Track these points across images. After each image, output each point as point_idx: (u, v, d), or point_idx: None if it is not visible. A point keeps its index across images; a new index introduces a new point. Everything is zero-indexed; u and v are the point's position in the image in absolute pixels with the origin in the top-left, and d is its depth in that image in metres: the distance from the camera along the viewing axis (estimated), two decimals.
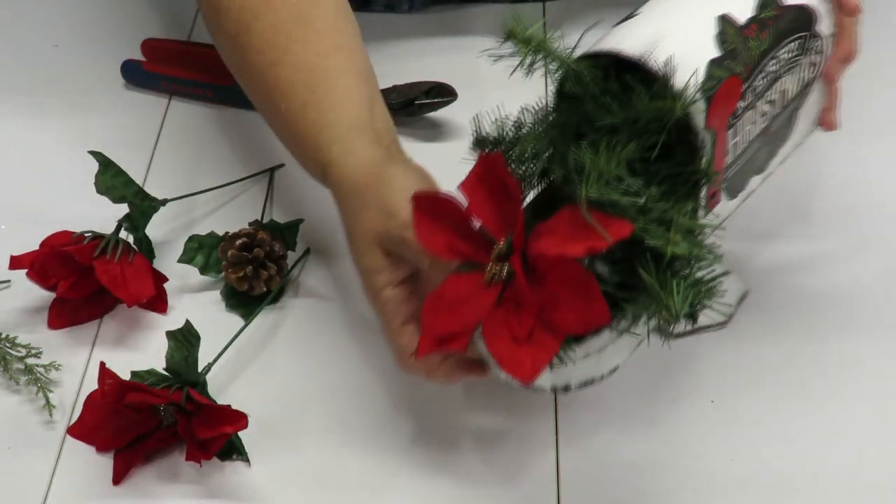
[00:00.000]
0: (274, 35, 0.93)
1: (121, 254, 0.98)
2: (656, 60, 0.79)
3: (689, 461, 0.89)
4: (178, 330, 0.89)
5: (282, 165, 1.09)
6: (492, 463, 0.90)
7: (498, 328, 0.78)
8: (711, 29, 0.82)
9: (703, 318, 0.91)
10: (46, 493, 0.89)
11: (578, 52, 0.80)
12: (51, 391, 0.94)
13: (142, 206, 1.00)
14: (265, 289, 0.99)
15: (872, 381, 0.94)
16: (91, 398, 0.89)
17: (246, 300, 1.00)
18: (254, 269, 0.99)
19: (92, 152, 1.00)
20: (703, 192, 0.81)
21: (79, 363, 0.96)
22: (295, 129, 0.92)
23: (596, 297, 0.75)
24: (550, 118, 0.83)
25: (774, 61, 0.84)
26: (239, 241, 0.99)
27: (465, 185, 0.80)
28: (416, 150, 0.92)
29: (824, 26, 0.88)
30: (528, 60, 0.78)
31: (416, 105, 1.13)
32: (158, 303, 0.99)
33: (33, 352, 0.96)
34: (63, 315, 0.99)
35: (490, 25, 1.23)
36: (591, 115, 0.79)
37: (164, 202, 1.03)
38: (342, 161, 0.88)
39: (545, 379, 0.81)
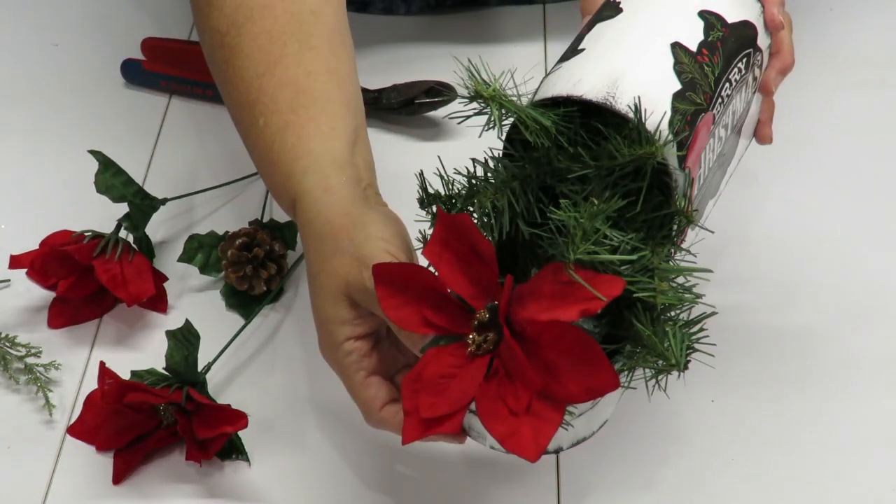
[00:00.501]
0: (268, 42, 0.88)
1: (121, 253, 0.98)
2: (621, 102, 0.74)
3: (688, 460, 0.89)
4: (178, 329, 0.89)
5: None
6: (492, 461, 0.90)
7: (492, 404, 0.71)
8: (667, 60, 0.78)
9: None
10: (46, 492, 0.89)
11: (535, 97, 0.77)
12: (50, 391, 0.94)
13: (141, 206, 1.00)
14: (265, 288, 0.99)
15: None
16: (91, 398, 0.89)
17: (246, 300, 1.00)
18: (253, 269, 0.99)
19: (92, 151, 1.00)
20: (675, 231, 0.77)
21: (78, 363, 0.96)
22: (271, 147, 0.86)
23: (602, 363, 0.69)
24: (505, 170, 0.77)
25: (728, 84, 0.81)
26: (239, 241, 0.99)
27: (430, 252, 0.73)
28: (416, 149, 0.93)
29: (762, 39, 0.85)
30: (493, 118, 0.73)
31: (415, 104, 1.13)
32: (158, 302, 0.99)
33: (33, 351, 0.96)
34: (63, 314, 0.99)
35: (488, 30, 1.23)
36: (558, 166, 0.75)
37: (163, 201, 1.03)
38: (316, 196, 0.82)
39: None
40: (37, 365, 0.95)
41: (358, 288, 0.77)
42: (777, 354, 0.95)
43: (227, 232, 1.01)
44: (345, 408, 0.93)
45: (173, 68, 1.18)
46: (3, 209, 1.08)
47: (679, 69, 0.78)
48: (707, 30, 0.80)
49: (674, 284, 0.73)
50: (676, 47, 0.79)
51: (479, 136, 0.74)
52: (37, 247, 0.98)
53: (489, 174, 0.78)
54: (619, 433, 0.91)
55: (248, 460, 0.90)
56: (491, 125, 0.73)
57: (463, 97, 0.74)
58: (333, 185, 0.83)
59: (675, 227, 0.77)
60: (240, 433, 0.89)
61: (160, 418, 0.89)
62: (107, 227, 1.00)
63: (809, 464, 0.89)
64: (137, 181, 1.01)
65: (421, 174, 0.79)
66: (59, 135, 1.15)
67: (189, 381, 0.89)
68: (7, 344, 0.96)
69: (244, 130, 0.90)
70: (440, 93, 1.13)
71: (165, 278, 1.00)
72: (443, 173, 0.78)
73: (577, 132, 0.75)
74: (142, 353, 0.97)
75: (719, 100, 0.80)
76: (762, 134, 0.92)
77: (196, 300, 1.01)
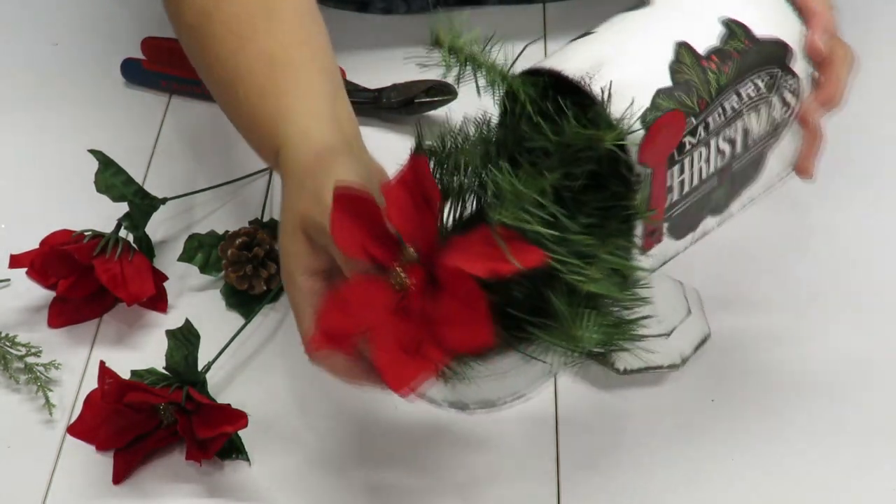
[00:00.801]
0: (237, 24, 0.91)
1: (120, 253, 0.98)
2: (596, 84, 0.74)
3: (688, 460, 0.89)
4: (178, 329, 0.89)
5: None
6: (493, 462, 0.90)
7: (387, 336, 0.74)
8: (667, 56, 0.77)
9: (658, 357, 0.91)
10: (46, 492, 0.89)
11: (520, 68, 0.77)
12: (50, 390, 0.94)
13: (141, 205, 1.00)
14: (265, 288, 0.99)
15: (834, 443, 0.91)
16: (91, 397, 0.89)
17: (246, 299, 1.00)
18: (253, 269, 0.98)
19: (92, 151, 1.00)
20: (640, 230, 0.77)
21: (78, 362, 0.96)
22: (252, 113, 0.89)
23: (483, 318, 0.72)
24: (490, 133, 0.78)
25: (736, 98, 0.79)
26: (239, 241, 0.99)
27: (387, 188, 0.76)
28: None
29: (802, 65, 0.83)
30: (454, 70, 0.75)
31: (415, 103, 1.13)
32: (158, 302, 0.99)
33: (33, 351, 0.96)
34: (63, 314, 0.99)
35: (488, 29, 1.22)
36: (525, 136, 0.76)
37: (163, 201, 1.03)
38: (296, 143, 0.86)
39: (439, 394, 0.79)
40: (37, 364, 0.95)
41: (313, 224, 0.80)
42: (777, 354, 0.95)
43: (227, 231, 1.01)
44: (345, 408, 0.93)
45: (173, 68, 1.18)
46: (3, 209, 1.08)
47: (675, 68, 0.77)
48: (726, 38, 0.79)
49: (610, 277, 0.74)
50: (682, 47, 0.78)
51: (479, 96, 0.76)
52: (37, 246, 0.98)
53: (475, 135, 0.79)
54: (619, 433, 0.91)
55: (248, 460, 0.90)
56: (453, 79, 0.75)
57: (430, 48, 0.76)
58: (313, 133, 0.86)
59: (634, 224, 0.77)
60: (240, 433, 0.89)
61: (160, 418, 0.89)
62: (107, 227, 1.00)
63: (810, 464, 0.89)
64: (137, 181, 1.01)
65: (418, 122, 0.78)
66: (59, 134, 1.15)
67: (189, 381, 0.89)
68: (7, 343, 0.96)
69: (228, 107, 0.93)
70: (440, 92, 1.13)
71: (165, 278, 1.00)
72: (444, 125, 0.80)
73: (547, 107, 0.75)
74: (142, 352, 0.97)
75: (719, 110, 0.79)
76: (802, 167, 0.87)
77: (196, 300, 1.01)
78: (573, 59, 0.77)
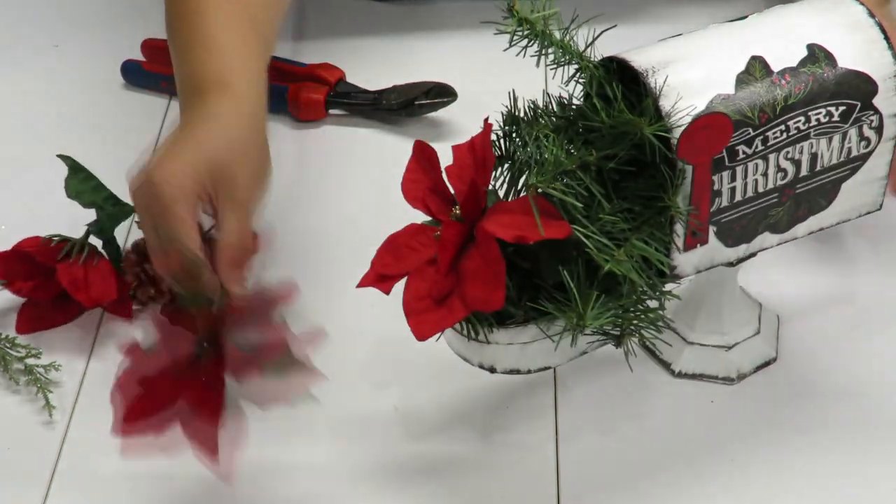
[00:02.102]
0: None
1: (85, 257, 0.97)
2: (658, 79, 0.78)
3: (688, 460, 0.89)
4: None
5: None
6: (493, 461, 0.90)
7: (420, 282, 0.79)
8: (738, 66, 0.80)
9: (713, 367, 0.92)
10: (46, 492, 0.89)
11: (592, 53, 0.80)
12: (50, 391, 0.94)
13: (112, 212, 1.00)
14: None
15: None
16: (125, 382, 0.82)
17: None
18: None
19: (60, 156, 0.99)
20: (681, 227, 0.80)
21: (79, 364, 0.96)
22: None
23: (499, 282, 0.76)
24: (563, 111, 0.82)
25: (803, 119, 0.81)
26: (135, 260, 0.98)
27: (458, 147, 0.82)
28: None
29: (888, 103, 0.83)
30: (522, 41, 0.78)
31: (416, 105, 1.13)
32: (121, 307, 0.99)
33: (33, 352, 0.96)
34: (32, 319, 0.98)
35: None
36: (584, 117, 0.79)
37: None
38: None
39: (472, 353, 0.83)
40: (37, 366, 0.95)
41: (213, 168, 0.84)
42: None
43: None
44: (345, 408, 0.93)
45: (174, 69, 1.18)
46: (2, 209, 1.08)
47: (743, 78, 0.79)
48: (806, 61, 0.81)
49: (637, 263, 0.77)
50: (755, 60, 0.80)
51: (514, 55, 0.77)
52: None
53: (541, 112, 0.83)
54: (619, 433, 0.91)
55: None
56: (521, 50, 0.78)
57: (505, 15, 0.78)
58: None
59: (671, 219, 0.79)
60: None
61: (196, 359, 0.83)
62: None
63: (809, 464, 0.89)
64: None
65: (511, 92, 0.83)
66: (59, 135, 1.15)
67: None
68: (7, 345, 0.96)
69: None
70: (440, 94, 1.13)
71: (131, 283, 1.00)
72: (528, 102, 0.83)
73: (607, 91, 0.78)
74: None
75: (782, 127, 0.80)
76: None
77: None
78: (648, 53, 0.80)
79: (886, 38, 0.83)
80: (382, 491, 0.89)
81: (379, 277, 0.81)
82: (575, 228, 0.76)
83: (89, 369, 0.96)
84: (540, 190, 0.77)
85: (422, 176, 0.82)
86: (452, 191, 0.81)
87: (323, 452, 0.91)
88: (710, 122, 0.78)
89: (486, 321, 0.80)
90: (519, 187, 0.83)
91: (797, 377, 0.94)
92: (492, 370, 0.83)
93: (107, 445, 0.91)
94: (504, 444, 0.91)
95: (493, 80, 1.02)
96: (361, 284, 0.81)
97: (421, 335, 0.78)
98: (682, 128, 0.77)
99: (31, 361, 0.95)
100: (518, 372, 0.83)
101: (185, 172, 0.84)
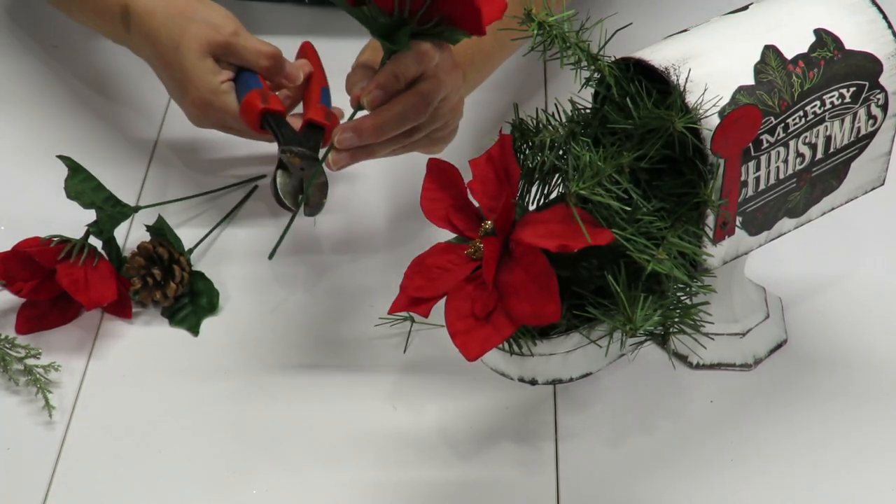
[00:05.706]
0: None
1: (85, 258, 0.97)
2: (680, 76, 0.78)
3: (688, 460, 0.90)
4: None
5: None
6: (492, 458, 0.90)
7: (461, 302, 0.78)
8: (753, 56, 0.81)
9: (729, 355, 0.92)
10: (46, 492, 0.89)
11: (606, 55, 0.81)
12: (50, 392, 0.94)
13: (111, 213, 1.00)
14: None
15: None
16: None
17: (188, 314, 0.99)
18: (162, 277, 0.98)
19: (60, 156, 0.99)
20: (711, 220, 0.81)
21: (78, 364, 0.96)
22: None
23: (551, 294, 0.75)
24: (578, 115, 0.83)
25: (819, 104, 0.82)
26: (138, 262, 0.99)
27: (475, 162, 0.82)
28: (416, 152, 0.93)
29: (892, 81, 0.85)
30: (539, 44, 0.78)
31: None
32: (122, 308, 0.99)
33: (33, 352, 0.96)
34: (32, 320, 0.98)
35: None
36: (608, 119, 0.80)
37: (136, 209, 1.02)
38: None
39: (512, 368, 0.83)
40: (36, 366, 0.95)
41: (219, 44, 0.99)
42: (777, 354, 0.96)
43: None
44: (345, 408, 0.93)
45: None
46: (2, 209, 1.08)
47: (760, 68, 0.81)
48: (815, 46, 0.82)
49: (676, 260, 0.77)
50: (769, 49, 0.81)
51: (527, 53, 0.78)
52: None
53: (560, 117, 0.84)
54: (619, 433, 0.91)
55: None
56: (539, 53, 0.79)
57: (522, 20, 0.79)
58: None
59: (705, 213, 0.80)
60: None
61: None
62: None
63: (809, 464, 0.89)
64: (137, 183, 1.01)
65: (516, 105, 0.84)
66: (59, 136, 1.15)
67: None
68: (7, 345, 0.96)
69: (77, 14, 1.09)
70: None
71: (130, 284, 1.00)
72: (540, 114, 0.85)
73: (632, 90, 0.79)
74: (141, 353, 0.97)
75: (800, 113, 0.81)
76: None
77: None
78: (663, 51, 0.81)
79: (885, 17, 0.85)
80: (380, 486, 0.89)
81: (412, 301, 0.80)
82: (615, 232, 0.76)
83: (89, 369, 0.96)
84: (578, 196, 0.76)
85: (441, 194, 0.82)
86: (477, 205, 0.81)
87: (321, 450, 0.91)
88: (742, 115, 0.79)
89: (529, 334, 0.80)
90: (548, 196, 0.83)
91: (807, 356, 0.95)
92: (533, 382, 0.84)
93: (107, 445, 0.91)
94: (503, 445, 0.91)
95: (492, 79, 1.02)
96: (393, 310, 0.80)
97: (470, 355, 0.77)
98: (708, 118, 0.77)
99: (30, 362, 0.95)
100: (560, 381, 0.84)
101: (203, 67, 0.99)
